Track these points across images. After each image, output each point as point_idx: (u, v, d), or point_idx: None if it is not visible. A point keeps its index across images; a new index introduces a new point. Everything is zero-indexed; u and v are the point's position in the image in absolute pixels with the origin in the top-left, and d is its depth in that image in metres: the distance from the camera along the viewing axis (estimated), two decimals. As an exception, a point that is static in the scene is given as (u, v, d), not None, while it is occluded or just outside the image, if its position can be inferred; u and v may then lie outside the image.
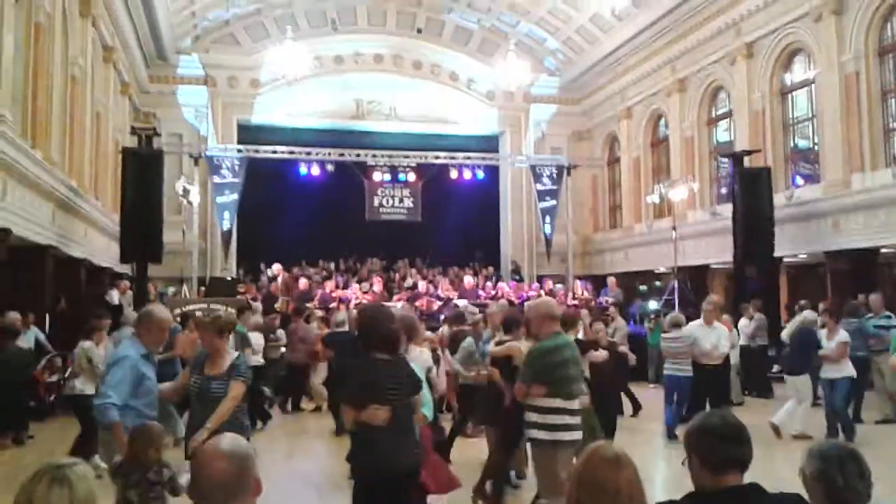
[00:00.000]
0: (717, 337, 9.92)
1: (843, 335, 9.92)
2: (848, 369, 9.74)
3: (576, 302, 17.24)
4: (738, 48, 17.53)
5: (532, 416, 5.30)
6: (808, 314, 10.71)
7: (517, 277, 21.13)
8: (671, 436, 9.67)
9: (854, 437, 9.32)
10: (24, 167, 11.34)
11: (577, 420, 5.40)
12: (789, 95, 17.01)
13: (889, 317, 11.49)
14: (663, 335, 10.47)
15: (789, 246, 15.80)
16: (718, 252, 17.76)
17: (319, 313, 14.43)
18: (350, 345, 5.70)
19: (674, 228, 17.87)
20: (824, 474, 2.63)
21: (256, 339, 11.54)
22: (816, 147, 16.12)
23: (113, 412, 4.62)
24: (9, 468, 8.20)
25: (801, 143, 16.98)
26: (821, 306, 11.72)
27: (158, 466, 4.30)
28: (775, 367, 14.46)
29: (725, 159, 17.99)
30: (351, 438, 4.46)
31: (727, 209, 16.90)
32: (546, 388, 5.25)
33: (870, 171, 14.11)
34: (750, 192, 15.75)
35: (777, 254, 15.79)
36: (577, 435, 5.34)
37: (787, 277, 17.85)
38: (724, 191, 18.71)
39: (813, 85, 16.00)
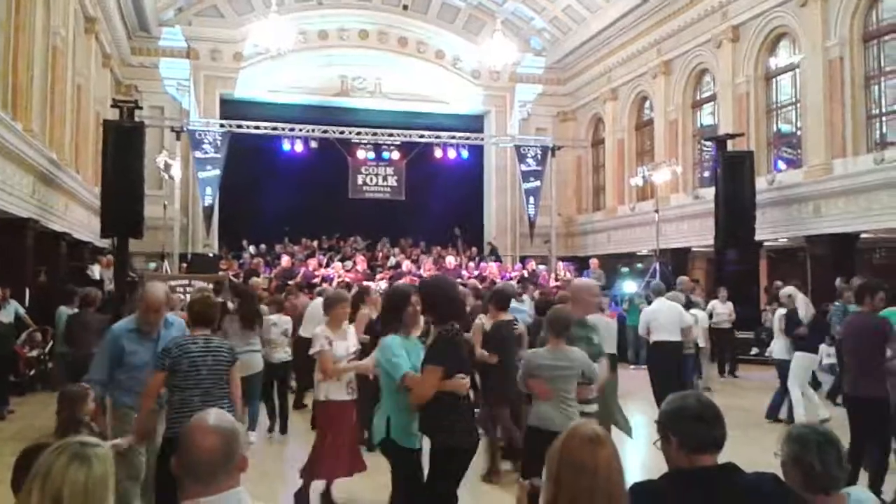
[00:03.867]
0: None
1: None
2: None
3: (558, 283, 17.29)
4: (724, 31, 17.55)
5: None
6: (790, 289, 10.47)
7: (493, 258, 21.17)
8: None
9: None
10: (3, 139, 11.20)
11: None
12: (774, 80, 17.07)
13: None
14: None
15: (770, 230, 15.92)
16: (700, 235, 17.89)
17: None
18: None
19: (656, 211, 17.97)
20: (801, 459, 2.66)
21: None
22: (799, 132, 16.20)
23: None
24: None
25: (785, 128, 17.07)
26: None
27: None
28: (754, 350, 14.62)
29: (709, 143, 18.06)
30: (428, 407, 4.38)
31: (709, 193, 16.99)
32: None
33: (852, 157, 14.21)
34: (732, 176, 15.83)
35: (758, 238, 15.91)
36: None
37: (768, 261, 18.00)
38: (706, 174, 18.80)
39: (797, 70, 16.06)
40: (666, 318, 9.90)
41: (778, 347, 10.26)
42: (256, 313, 8.80)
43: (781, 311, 10.26)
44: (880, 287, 6.70)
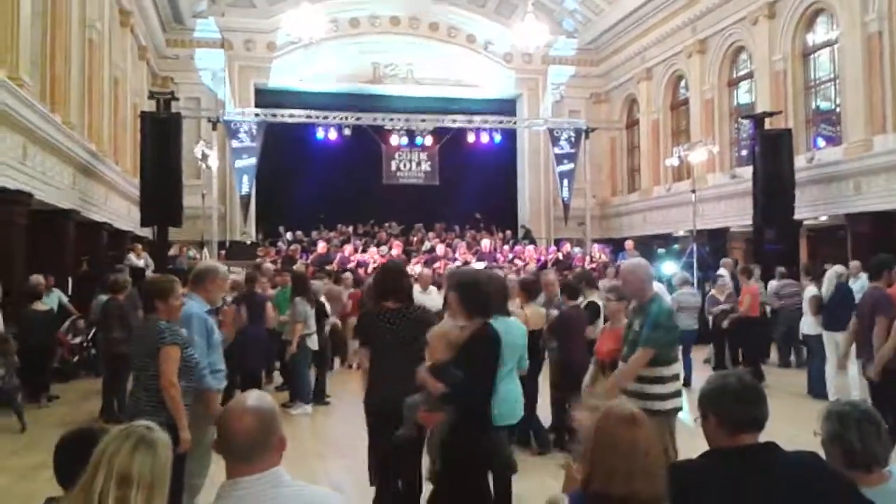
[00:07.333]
0: None
1: None
2: None
3: (594, 265, 17.22)
4: (759, 8, 17.23)
5: None
6: (838, 268, 10.28)
7: (527, 241, 21.12)
8: (687, 384, 9.73)
9: None
10: (43, 131, 11.40)
11: None
12: (811, 56, 16.74)
13: None
14: (679, 291, 11.35)
15: (809, 209, 15.67)
16: (738, 215, 17.66)
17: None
18: None
19: (693, 191, 17.74)
20: (841, 436, 2.64)
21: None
22: (838, 109, 15.88)
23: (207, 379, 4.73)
24: (34, 428, 8.39)
25: (823, 105, 16.75)
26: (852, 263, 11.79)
27: None
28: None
29: (746, 121, 17.79)
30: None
31: (747, 172, 16.76)
32: None
33: (892, 133, 13.88)
34: (770, 155, 15.58)
35: (797, 217, 15.66)
36: None
37: (807, 240, 17.72)
38: (744, 153, 18.53)
39: (835, 45, 15.73)
40: None
41: (806, 324, 10.55)
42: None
43: (811, 289, 10.50)
44: None
